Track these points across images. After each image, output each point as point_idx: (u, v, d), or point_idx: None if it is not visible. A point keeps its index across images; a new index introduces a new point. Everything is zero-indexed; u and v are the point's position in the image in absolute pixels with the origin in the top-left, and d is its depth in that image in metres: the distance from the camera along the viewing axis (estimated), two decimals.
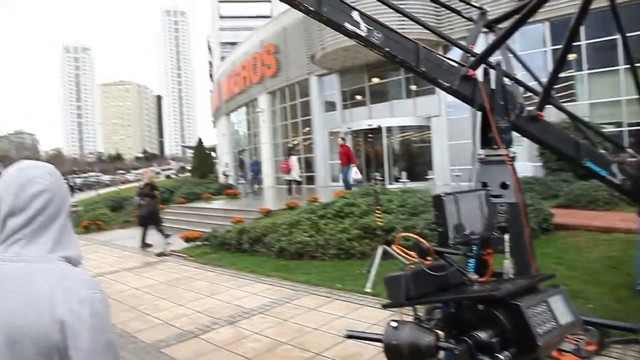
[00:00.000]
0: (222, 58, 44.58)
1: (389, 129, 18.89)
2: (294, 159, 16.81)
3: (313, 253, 7.91)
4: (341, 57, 18.78)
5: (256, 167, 20.12)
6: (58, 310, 1.12)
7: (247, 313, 5.45)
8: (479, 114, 2.97)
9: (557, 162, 11.57)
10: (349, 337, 1.33)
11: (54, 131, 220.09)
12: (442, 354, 1.18)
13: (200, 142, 37.12)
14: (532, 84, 3.93)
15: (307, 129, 23.47)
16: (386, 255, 6.23)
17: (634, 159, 4.10)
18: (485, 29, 3.93)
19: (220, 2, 64.03)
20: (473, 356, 1.15)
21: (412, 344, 1.14)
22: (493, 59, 3.27)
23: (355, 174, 14.15)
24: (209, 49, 66.13)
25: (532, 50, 15.05)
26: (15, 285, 1.16)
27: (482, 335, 1.16)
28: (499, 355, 1.12)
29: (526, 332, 1.13)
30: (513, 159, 2.87)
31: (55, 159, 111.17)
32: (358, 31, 2.60)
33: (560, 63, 3.30)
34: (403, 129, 19.69)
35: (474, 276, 1.46)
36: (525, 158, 13.10)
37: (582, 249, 6.76)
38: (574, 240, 7.17)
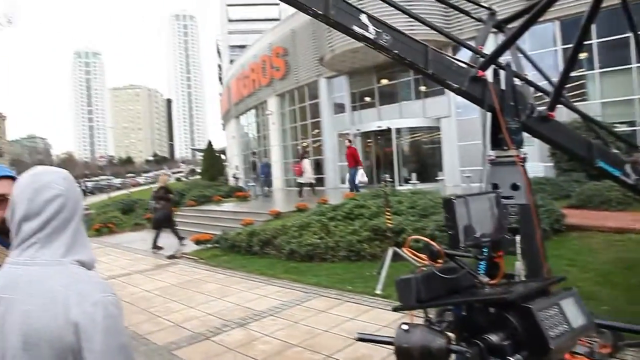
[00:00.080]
0: (231, 61, 44.82)
1: (398, 131, 18.85)
2: (306, 162, 16.83)
3: (323, 255, 7.91)
4: (350, 59, 18.78)
5: (266, 169, 20.17)
6: (72, 313, 1.13)
7: (257, 315, 5.46)
8: (489, 114, 2.96)
9: (569, 162, 11.46)
10: (360, 339, 1.33)
11: (66, 135, 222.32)
12: (453, 356, 1.17)
13: (210, 144, 37.30)
14: (542, 83, 3.91)
15: (317, 131, 23.50)
16: (396, 257, 6.21)
17: None
18: (494, 29, 3.91)
19: (229, 5, 64.42)
20: (484, 359, 1.15)
21: (423, 346, 1.14)
22: (503, 59, 3.25)
23: (361, 176, 14.13)
24: (218, 52, 66.53)
25: (542, 50, 14.93)
26: (30, 288, 1.18)
27: (494, 338, 1.15)
28: (510, 358, 1.12)
29: (538, 335, 1.12)
30: (524, 159, 2.85)
31: (67, 162, 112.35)
32: (366, 34, 2.61)
33: (571, 62, 3.28)
34: (412, 130, 19.64)
35: (485, 279, 1.46)
36: (536, 158, 13.00)
37: (595, 250, 6.69)
38: (587, 242, 7.09)
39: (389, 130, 18.48)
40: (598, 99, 14.94)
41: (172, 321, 5.55)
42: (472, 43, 3.67)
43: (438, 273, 1.32)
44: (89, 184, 51.38)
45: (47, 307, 1.15)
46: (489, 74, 3.07)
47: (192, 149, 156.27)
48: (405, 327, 1.18)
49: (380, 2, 3.29)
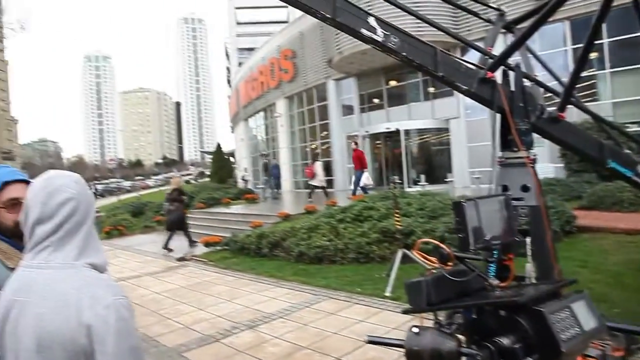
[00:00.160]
0: (240, 64, 45.00)
1: (407, 132, 18.81)
2: (318, 165, 16.85)
3: (332, 257, 7.90)
4: (358, 61, 18.78)
5: (276, 171, 20.20)
6: (85, 316, 1.15)
7: (267, 317, 5.47)
8: (499, 115, 2.94)
9: (580, 163, 11.36)
10: (370, 342, 1.33)
11: (76, 138, 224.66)
12: (463, 359, 1.17)
13: (218, 147, 37.46)
14: (552, 84, 3.88)
15: (325, 133, 23.51)
16: (406, 259, 6.19)
17: None
18: (503, 30, 3.89)
19: (237, 8, 64.69)
20: None
21: (433, 349, 1.14)
22: (512, 60, 3.24)
23: (367, 179, 14.10)
24: (227, 55, 66.82)
25: (553, 50, 14.84)
26: (44, 291, 1.19)
27: (505, 341, 1.15)
28: None
29: (550, 338, 1.11)
30: (534, 161, 2.83)
31: (78, 165, 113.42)
32: (375, 37, 2.60)
33: (582, 62, 3.25)
34: (421, 131, 19.59)
35: (495, 281, 1.45)
36: (546, 159, 12.91)
37: (607, 251, 6.62)
38: (598, 243, 7.02)
39: (397, 131, 18.45)
40: (609, 99, 14.81)
41: (181, 323, 5.58)
42: (481, 44, 3.65)
43: (448, 276, 1.32)
44: (99, 187, 51.90)
45: (60, 310, 1.16)
46: (498, 75, 3.06)
47: (201, 152, 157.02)
48: (415, 329, 1.18)
49: (388, 4, 3.29)
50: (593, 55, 14.15)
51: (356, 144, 15.55)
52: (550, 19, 2.92)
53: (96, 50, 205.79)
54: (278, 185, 20.65)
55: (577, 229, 7.58)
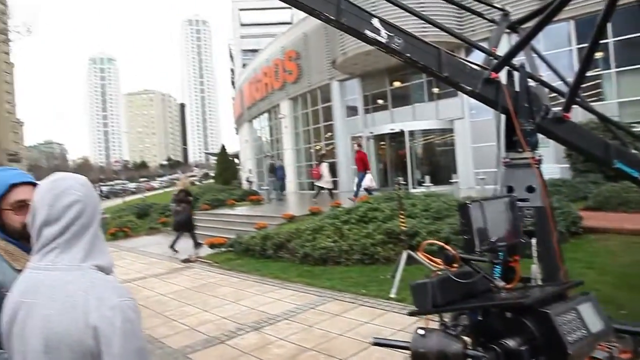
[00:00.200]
0: (244, 65, 45.07)
1: (411, 133, 18.78)
2: (324, 166, 16.85)
3: (337, 258, 7.90)
4: (362, 62, 18.78)
5: (281, 173, 20.21)
6: (91, 317, 1.16)
7: (272, 319, 5.47)
8: (503, 116, 2.94)
9: (585, 163, 11.30)
10: (376, 344, 1.33)
11: (82, 140, 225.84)
12: None
13: (223, 148, 37.51)
14: (557, 84, 3.87)
15: (329, 134, 23.51)
16: (411, 260, 6.18)
17: None
18: (507, 30, 3.88)
19: (241, 10, 64.79)
20: None
21: (439, 351, 1.14)
22: (517, 60, 3.23)
23: (370, 181, 14.05)
24: (231, 56, 66.93)
25: (557, 49, 14.77)
26: (51, 293, 1.20)
27: (511, 343, 1.15)
28: None
29: (556, 340, 1.11)
30: (539, 161, 2.82)
31: (83, 167, 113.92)
32: (379, 38, 2.61)
33: (587, 62, 3.24)
34: (426, 132, 19.55)
35: (501, 283, 1.45)
36: (551, 160, 12.86)
37: (614, 252, 6.58)
38: (605, 244, 6.99)
39: (402, 132, 18.42)
40: (615, 98, 14.73)
41: (187, 325, 5.59)
42: (485, 44, 3.64)
43: (453, 277, 1.32)
44: (104, 189, 52.09)
45: (67, 312, 1.17)
46: (502, 76, 3.05)
47: (206, 153, 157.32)
48: (421, 331, 1.18)
49: (392, 4, 3.29)
50: (598, 54, 14.08)
51: (359, 145, 15.52)
52: (555, 19, 2.91)
53: (101, 53, 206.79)
54: (282, 187, 20.67)
55: (583, 230, 7.55)
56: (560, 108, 3.23)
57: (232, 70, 64.66)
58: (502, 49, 3.37)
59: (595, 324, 1.20)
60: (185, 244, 10.88)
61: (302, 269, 7.90)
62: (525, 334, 1.16)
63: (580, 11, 13.15)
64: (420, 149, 19.82)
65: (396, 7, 3.30)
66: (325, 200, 14.85)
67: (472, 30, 15.08)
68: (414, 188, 16.22)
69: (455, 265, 1.36)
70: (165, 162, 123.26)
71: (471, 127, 17.49)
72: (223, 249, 10.34)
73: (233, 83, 53.17)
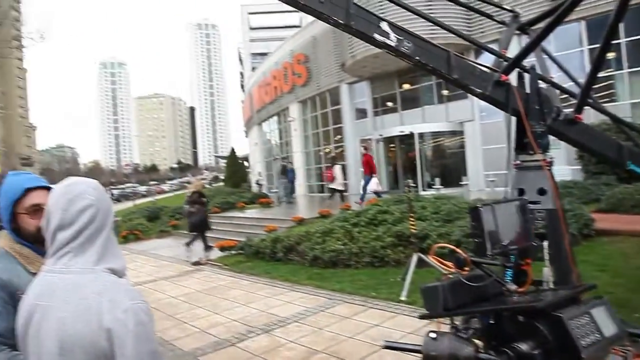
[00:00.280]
0: (253, 68, 45.26)
1: (421, 135, 18.72)
2: (337, 168, 16.83)
3: (347, 261, 7.89)
4: (371, 64, 18.77)
5: (292, 175, 20.25)
6: (105, 319, 1.17)
7: (282, 321, 5.48)
8: (514, 118, 2.92)
9: (597, 165, 11.18)
10: (387, 347, 1.33)
11: (93, 144, 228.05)
12: None
13: (233, 151, 37.66)
14: (568, 85, 3.84)
15: (339, 136, 23.51)
16: (421, 263, 6.16)
17: None
18: (517, 32, 3.86)
19: (250, 13, 65.14)
20: None
21: (451, 355, 1.13)
22: (527, 61, 3.21)
23: (376, 185, 14.00)
24: (240, 60, 67.29)
25: (568, 50, 14.66)
26: (65, 296, 1.22)
27: (523, 346, 1.14)
28: None
29: (569, 345, 1.10)
30: (550, 164, 2.80)
31: (94, 171, 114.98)
32: (388, 41, 2.61)
33: (599, 62, 3.21)
34: (435, 134, 19.47)
35: (513, 286, 1.44)
36: (563, 161, 12.75)
37: (627, 255, 6.50)
38: (618, 247, 6.90)
39: (411, 135, 18.37)
40: (627, 99, 14.57)
41: (197, 327, 5.62)
42: (495, 46, 3.63)
43: (465, 281, 1.31)
44: (115, 192, 52.45)
45: (81, 314, 1.19)
46: (513, 78, 3.04)
47: (216, 156, 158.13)
48: (433, 335, 1.17)
49: (400, 7, 3.29)
50: (610, 55, 13.94)
51: (366, 148, 15.48)
52: (566, 19, 2.89)
53: (111, 57, 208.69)
54: (293, 190, 20.71)
55: (596, 233, 7.46)
56: (571, 109, 3.21)
57: (241, 74, 64.96)
58: (512, 51, 3.36)
59: (608, 327, 1.19)
60: (195, 247, 10.91)
61: (312, 272, 7.90)
62: (538, 337, 1.16)
63: (592, 11, 13.05)
64: (430, 151, 19.74)
65: (405, 10, 3.31)
66: (336, 203, 14.84)
67: (482, 32, 15.02)
68: (423, 190, 16.16)
69: (466, 268, 1.36)
70: (175, 165, 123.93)
71: (481, 129, 17.39)
72: (233, 252, 10.37)
73: (242, 86, 53.39)
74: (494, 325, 1.30)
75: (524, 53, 3.09)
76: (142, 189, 61.15)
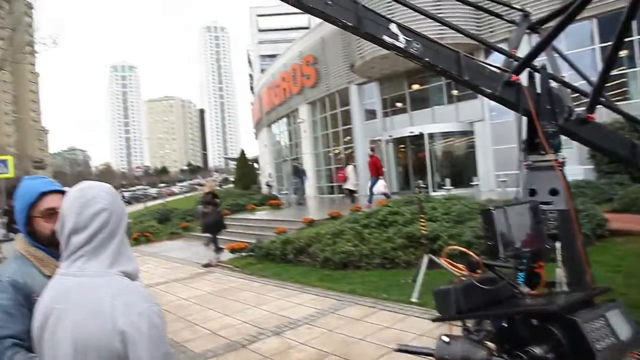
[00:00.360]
0: (262, 70, 45.44)
1: (431, 136, 18.64)
2: (350, 168, 16.81)
3: (357, 263, 7.88)
4: (380, 65, 18.74)
5: (303, 176, 20.29)
6: (119, 322, 1.19)
7: (292, 323, 5.48)
8: (525, 118, 2.90)
9: (610, 165, 11.05)
10: (399, 350, 1.33)
11: (104, 147, 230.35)
12: None
13: (242, 153, 37.79)
14: (580, 84, 3.80)
15: (348, 137, 23.50)
16: (432, 264, 6.13)
17: None
18: (528, 31, 3.83)
19: (259, 16, 65.37)
20: None
21: (464, 358, 1.13)
22: (538, 60, 3.19)
23: (383, 187, 13.93)
24: (249, 62, 67.55)
25: (580, 49, 14.51)
26: (80, 299, 1.24)
27: (537, 350, 1.13)
28: None
29: (584, 348, 1.09)
30: (562, 164, 2.78)
31: (105, 173, 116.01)
32: (397, 43, 2.60)
33: (611, 61, 3.18)
34: (445, 135, 19.37)
35: (526, 289, 1.43)
36: (575, 161, 12.62)
37: None
38: (633, 247, 6.81)
39: (421, 135, 18.30)
40: None
41: (209, 329, 5.64)
42: (504, 45, 3.61)
43: (477, 284, 1.30)
44: (126, 194, 52.85)
45: (95, 317, 1.20)
46: (523, 77, 3.02)
47: (225, 158, 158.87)
48: (445, 338, 1.17)
49: (409, 8, 3.28)
50: (623, 53, 13.78)
51: (372, 149, 15.43)
52: (577, 17, 2.86)
53: (122, 61, 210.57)
54: (303, 191, 20.75)
55: (609, 233, 7.37)
56: (584, 108, 3.18)
57: (250, 76, 65.21)
58: (522, 50, 3.33)
59: (624, 331, 1.18)
60: (206, 249, 10.96)
61: (322, 274, 7.89)
62: (551, 341, 1.15)
63: (603, 9, 12.90)
64: (440, 152, 19.65)
65: (413, 10, 3.30)
66: (346, 204, 14.83)
67: (491, 31, 14.93)
68: (434, 191, 16.08)
69: (478, 271, 1.35)
70: (185, 168, 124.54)
71: (492, 129, 17.28)
72: (244, 254, 10.40)
73: (252, 88, 53.58)
74: (507, 328, 1.29)
75: (535, 52, 3.07)
76: (153, 191, 61.51)
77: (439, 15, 3.68)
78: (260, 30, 65.33)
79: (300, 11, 2.67)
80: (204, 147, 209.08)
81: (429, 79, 19.53)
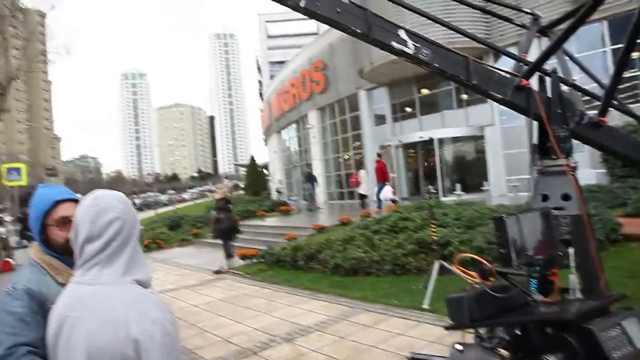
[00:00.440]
0: (272, 77, 45.62)
1: (440, 141, 18.57)
2: (363, 173, 16.79)
3: (368, 269, 7.85)
4: (389, 70, 18.71)
5: (315, 182, 20.32)
6: (132, 330, 1.20)
7: (303, 330, 5.46)
8: (536, 122, 2.89)
9: (624, 168, 10.92)
10: (412, 359, 1.32)
11: (115, 154, 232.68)
12: None
13: (252, 160, 37.93)
14: (591, 86, 3.77)
15: (358, 143, 23.48)
16: (443, 270, 6.09)
17: None
18: (538, 34, 3.81)
19: (268, 22, 65.70)
20: None
21: None
22: (548, 64, 3.17)
23: (391, 193, 13.87)
24: (259, 68, 67.83)
25: (590, 51, 14.39)
26: (94, 307, 1.25)
27: (552, 359, 1.12)
28: None
29: (601, 358, 1.07)
30: (574, 168, 2.76)
31: (116, 180, 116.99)
32: (405, 49, 2.61)
33: (623, 63, 3.15)
34: (455, 139, 19.29)
35: (539, 297, 1.41)
36: (587, 165, 12.49)
37: None
38: None
39: (431, 140, 18.24)
40: None
41: (220, 336, 5.64)
42: (514, 48, 3.59)
43: (490, 291, 1.29)
44: (137, 201, 53.18)
45: (109, 325, 1.21)
46: (534, 82, 3.00)
47: (235, 165, 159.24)
48: (459, 347, 1.16)
49: (418, 14, 3.29)
50: (635, 55, 13.63)
51: (379, 155, 15.38)
52: (587, 20, 2.84)
53: (132, 68, 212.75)
54: (315, 197, 20.78)
55: (624, 238, 7.27)
56: (595, 112, 3.15)
57: (259, 82, 65.47)
58: (532, 53, 3.32)
59: None
60: (217, 256, 10.98)
61: (333, 280, 7.87)
62: (567, 350, 1.13)
63: (614, 11, 12.79)
64: (450, 157, 19.56)
65: (422, 16, 3.30)
66: (356, 210, 14.80)
67: (501, 35, 14.87)
68: (444, 196, 16.00)
69: (491, 278, 1.34)
70: (195, 174, 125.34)
71: (502, 133, 17.17)
72: (254, 260, 10.41)
73: (261, 95, 53.81)
74: (521, 336, 1.28)
75: (545, 56, 3.05)
76: (164, 197, 61.90)
77: (448, 19, 3.67)
78: (269, 37, 65.63)
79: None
80: (214, 153, 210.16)
81: (439, 84, 19.46)
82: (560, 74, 3.17)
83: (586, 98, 3.72)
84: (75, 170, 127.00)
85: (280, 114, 31.49)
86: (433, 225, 6.67)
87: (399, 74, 19.15)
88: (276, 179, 34.38)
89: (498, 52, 5.12)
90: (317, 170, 25.85)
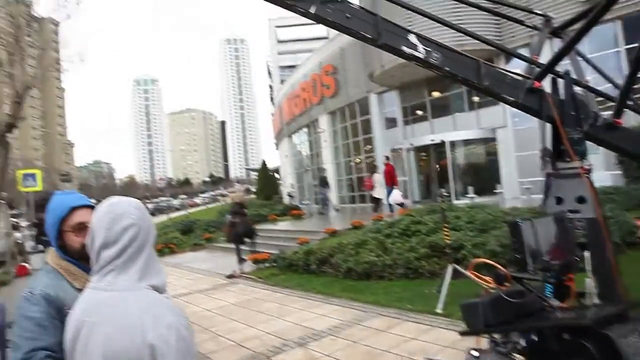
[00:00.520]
0: (282, 81, 45.72)
1: (452, 143, 18.46)
2: (377, 177, 16.81)
3: (380, 273, 7.82)
4: (400, 74, 18.67)
5: (328, 186, 20.35)
6: (148, 335, 1.21)
7: (316, 335, 5.46)
8: (549, 125, 2.86)
9: (639, 170, 10.76)
10: None
11: (127, 159, 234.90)
12: None
13: (264, 164, 38.05)
14: (605, 87, 3.72)
15: (369, 147, 23.44)
16: (456, 274, 6.04)
17: None
18: (550, 36, 3.78)
19: (278, 27, 65.97)
20: None
21: None
22: (561, 65, 3.14)
23: (400, 197, 13.82)
24: (269, 73, 68.09)
25: (603, 51, 14.22)
26: (111, 312, 1.27)
27: None
28: None
29: None
30: (589, 171, 2.72)
31: (129, 185, 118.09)
32: (416, 53, 2.61)
33: (638, 63, 3.11)
34: (467, 142, 19.16)
35: (555, 302, 1.40)
36: (602, 167, 12.33)
37: None
38: None
39: (442, 143, 18.14)
40: None
41: (233, 340, 5.66)
42: (526, 50, 3.57)
43: (505, 297, 1.28)
44: (150, 206, 53.62)
45: (125, 330, 1.23)
46: (546, 83, 2.98)
47: (247, 169, 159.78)
48: (475, 352, 1.15)
49: (427, 17, 3.28)
50: None
51: (387, 158, 15.32)
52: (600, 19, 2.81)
53: (144, 74, 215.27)
54: (325, 201, 20.77)
55: None
56: (610, 113, 3.11)
57: (270, 87, 65.75)
58: (545, 54, 3.29)
59: None
60: (230, 260, 11.02)
61: (345, 284, 7.86)
62: (584, 356, 1.12)
63: (627, 10, 12.64)
64: (462, 160, 19.43)
65: (432, 19, 3.29)
66: (368, 214, 14.77)
67: (512, 37, 14.76)
68: (457, 199, 15.89)
69: (506, 284, 1.33)
70: (207, 179, 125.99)
71: (514, 136, 17.02)
72: (267, 265, 10.42)
73: (272, 99, 54.08)
74: (537, 342, 1.27)
75: (557, 58, 3.03)
76: (176, 202, 62.34)
77: (458, 22, 3.66)
78: (280, 41, 65.87)
79: None
80: (225, 158, 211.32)
81: (450, 86, 19.36)
82: (574, 75, 3.14)
83: (600, 99, 3.68)
84: (88, 175, 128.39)
85: (291, 118, 31.56)
86: (446, 229, 6.64)
87: (410, 77, 19.09)
88: (287, 183, 34.42)
89: (509, 55, 5.09)
90: (329, 174, 25.85)
